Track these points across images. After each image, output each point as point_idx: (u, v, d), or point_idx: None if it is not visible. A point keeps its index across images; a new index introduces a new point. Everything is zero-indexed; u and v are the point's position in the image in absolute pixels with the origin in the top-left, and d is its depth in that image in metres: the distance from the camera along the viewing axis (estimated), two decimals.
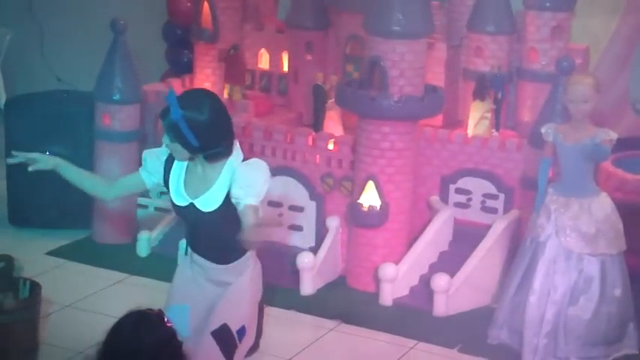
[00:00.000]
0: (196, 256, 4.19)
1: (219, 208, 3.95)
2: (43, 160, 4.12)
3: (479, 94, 5.32)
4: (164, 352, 2.73)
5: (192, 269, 4.22)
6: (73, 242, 5.67)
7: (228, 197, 3.94)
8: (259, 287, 4.28)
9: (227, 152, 3.96)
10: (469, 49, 5.51)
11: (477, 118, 5.32)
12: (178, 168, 4.04)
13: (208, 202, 3.96)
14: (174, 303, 4.24)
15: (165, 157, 4.07)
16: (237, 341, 4.10)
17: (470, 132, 5.31)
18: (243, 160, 4.00)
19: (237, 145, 4.02)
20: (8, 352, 4.29)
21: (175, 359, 2.76)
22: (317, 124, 5.51)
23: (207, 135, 3.86)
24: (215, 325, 4.05)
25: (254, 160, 3.99)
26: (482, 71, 5.39)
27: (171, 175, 4.04)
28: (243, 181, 3.91)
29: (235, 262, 4.09)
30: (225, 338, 4.04)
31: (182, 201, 4.02)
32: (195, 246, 4.20)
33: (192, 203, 3.99)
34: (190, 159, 3.97)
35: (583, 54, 5.55)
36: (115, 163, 5.60)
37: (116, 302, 4.79)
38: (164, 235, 5.54)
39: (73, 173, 4.19)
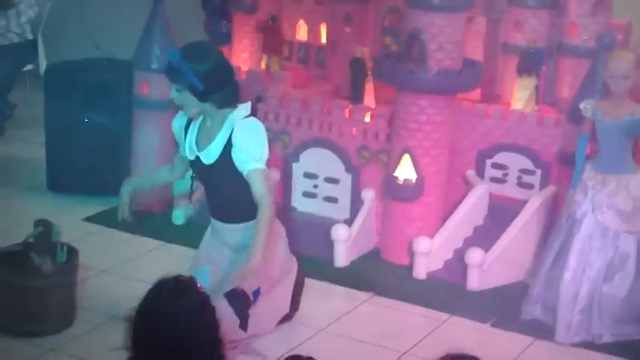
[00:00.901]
0: (213, 220, 4.28)
1: (217, 160, 4.02)
2: (124, 199, 4.39)
3: (525, 70, 5.26)
4: (201, 316, 2.76)
5: (212, 235, 4.30)
6: (110, 209, 5.69)
7: (225, 151, 4.01)
8: (283, 254, 4.31)
9: (234, 98, 4.03)
10: (509, 23, 5.46)
11: (524, 94, 5.26)
12: (193, 126, 4.14)
13: (209, 154, 4.06)
14: (196, 266, 4.32)
15: (185, 120, 4.18)
16: (252, 301, 4.13)
17: (516, 108, 5.25)
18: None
19: (246, 105, 4.07)
20: (46, 315, 4.36)
21: (211, 324, 2.79)
22: (356, 98, 5.48)
23: (211, 78, 3.95)
24: (228, 287, 4.10)
25: (250, 122, 4.05)
26: (522, 46, 5.33)
27: (187, 134, 4.14)
28: (242, 144, 3.99)
29: (245, 223, 4.12)
30: (237, 300, 4.09)
31: (191, 154, 4.13)
32: (209, 205, 4.30)
33: (197, 156, 4.09)
34: (201, 112, 4.06)
35: (624, 30, 5.48)
36: (152, 131, 5.64)
37: (152, 269, 4.83)
38: (200, 204, 5.57)
39: (144, 180, 4.52)
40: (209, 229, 4.39)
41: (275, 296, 4.31)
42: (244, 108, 4.09)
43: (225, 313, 3.99)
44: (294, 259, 4.49)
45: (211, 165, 4.07)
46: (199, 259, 4.38)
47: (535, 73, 5.27)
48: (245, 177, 3.97)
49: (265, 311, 4.24)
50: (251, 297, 4.13)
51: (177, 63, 3.94)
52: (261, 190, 3.93)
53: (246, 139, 3.99)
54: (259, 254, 3.89)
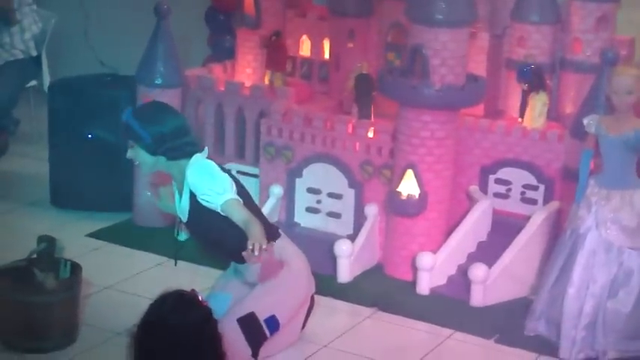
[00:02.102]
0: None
1: (189, 215, 4.03)
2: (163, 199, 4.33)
3: (540, 86, 5.25)
4: (203, 329, 2.76)
5: (236, 271, 4.31)
6: (114, 225, 5.72)
7: (192, 202, 4.01)
8: (302, 282, 4.31)
9: (189, 150, 4.03)
10: (512, 39, 5.47)
11: (543, 110, 5.25)
12: (175, 185, 4.17)
13: (183, 212, 4.07)
14: (218, 290, 4.31)
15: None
16: (266, 331, 4.12)
17: (530, 124, 5.24)
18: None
19: (202, 153, 4.07)
20: (49, 331, 4.35)
21: (213, 337, 2.79)
22: (363, 114, 5.48)
23: (159, 131, 3.96)
24: (242, 312, 4.09)
25: (195, 164, 4.02)
26: (535, 62, 5.33)
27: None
28: (199, 188, 3.97)
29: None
30: (251, 326, 4.07)
31: (178, 214, 4.14)
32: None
33: (180, 217, 4.12)
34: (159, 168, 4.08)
35: (628, 45, 5.49)
36: None
37: (155, 285, 4.79)
38: None
39: None
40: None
41: (290, 327, 4.31)
42: (200, 155, 4.07)
43: (235, 338, 3.99)
44: (313, 286, 4.46)
45: (188, 221, 4.09)
46: (223, 284, 4.36)
47: (547, 89, 5.27)
48: (222, 213, 3.96)
49: (277, 339, 4.24)
50: (264, 324, 4.11)
51: (128, 120, 4.01)
52: (241, 216, 3.90)
53: (200, 181, 3.97)
54: (256, 227, 3.84)
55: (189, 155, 4.02)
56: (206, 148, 4.12)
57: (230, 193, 3.93)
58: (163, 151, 3.99)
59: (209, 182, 3.95)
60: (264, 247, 3.71)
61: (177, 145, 4.00)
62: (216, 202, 3.92)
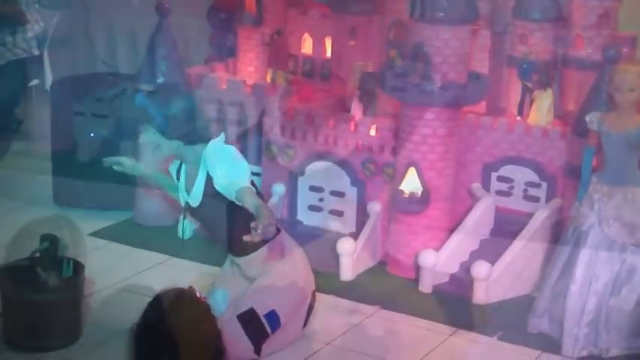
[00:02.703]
0: (229, 255, 4.30)
1: (201, 201, 4.02)
2: (127, 165, 4.28)
3: (544, 83, 5.25)
4: (201, 325, 2.76)
5: (233, 264, 4.31)
6: (116, 223, 5.73)
7: (207, 187, 4.01)
8: (301, 277, 4.31)
9: (200, 136, 4.03)
10: (514, 36, 5.47)
11: (543, 108, 5.25)
12: (183, 172, 4.17)
13: (195, 197, 4.07)
14: (216, 287, 4.32)
15: (178, 164, 4.21)
16: (267, 327, 4.13)
17: (536, 122, 5.24)
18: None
19: (219, 137, 4.07)
20: (52, 330, 4.36)
21: (211, 332, 2.79)
22: (369, 112, 5.48)
23: (172, 114, 3.97)
24: (241, 308, 4.09)
25: (218, 148, 4.03)
26: (537, 59, 5.32)
27: (179, 178, 4.18)
28: (219, 172, 3.97)
29: (254, 254, 4.12)
30: (251, 322, 4.08)
31: (183, 199, 4.15)
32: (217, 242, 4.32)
33: (187, 201, 4.12)
34: (177, 157, 4.07)
35: (630, 42, 5.48)
36: None
37: (157, 283, 4.84)
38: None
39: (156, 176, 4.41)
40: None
41: (292, 324, 4.32)
42: (217, 140, 4.08)
43: (236, 335, 4.00)
44: (313, 281, 4.47)
45: (198, 207, 4.09)
46: (221, 280, 4.37)
47: (530, 84, 5.27)
48: (235, 200, 3.96)
49: (280, 337, 4.25)
50: (264, 320, 4.11)
51: (142, 103, 4.02)
52: (253, 203, 3.90)
53: (219, 166, 3.99)
54: (267, 211, 3.83)
55: (206, 140, 4.03)
56: (222, 133, 4.13)
57: (246, 181, 3.95)
58: (180, 135, 4.00)
59: (228, 168, 3.96)
60: (269, 227, 3.72)
61: (194, 129, 4.01)
62: (231, 188, 3.92)
